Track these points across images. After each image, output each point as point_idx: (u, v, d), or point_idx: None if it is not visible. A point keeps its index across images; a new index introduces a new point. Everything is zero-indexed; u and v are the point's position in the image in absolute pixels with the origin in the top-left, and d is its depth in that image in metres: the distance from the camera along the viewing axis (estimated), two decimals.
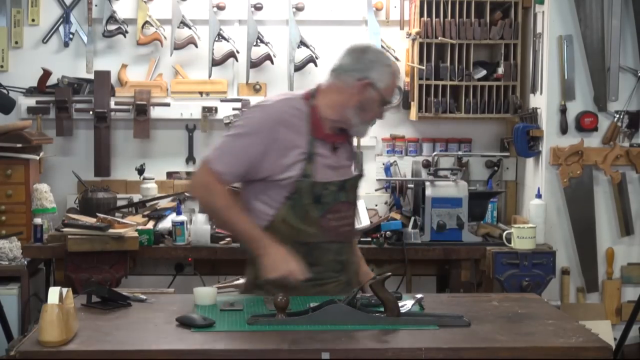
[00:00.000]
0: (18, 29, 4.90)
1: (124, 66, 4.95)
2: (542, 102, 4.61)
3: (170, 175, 4.98)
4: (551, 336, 2.47)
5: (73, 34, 4.93)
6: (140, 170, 4.79)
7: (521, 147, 4.65)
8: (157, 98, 4.91)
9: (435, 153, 4.88)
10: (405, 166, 4.96)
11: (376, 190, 4.97)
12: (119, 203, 4.75)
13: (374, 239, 4.41)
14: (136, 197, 4.81)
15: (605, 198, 4.61)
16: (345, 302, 2.54)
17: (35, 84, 4.86)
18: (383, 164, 4.97)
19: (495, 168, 4.92)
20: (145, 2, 4.88)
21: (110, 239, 4.17)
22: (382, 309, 2.57)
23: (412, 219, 4.51)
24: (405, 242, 4.38)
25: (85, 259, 4.19)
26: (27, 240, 4.42)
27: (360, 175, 3.06)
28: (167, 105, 4.91)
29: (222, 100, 4.92)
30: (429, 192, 4.42)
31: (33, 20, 4.91)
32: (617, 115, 4.55)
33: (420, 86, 4.81)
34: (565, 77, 4.53)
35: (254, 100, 4.83)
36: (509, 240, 4.28)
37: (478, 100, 4.84)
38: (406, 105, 4.98)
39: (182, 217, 4.39)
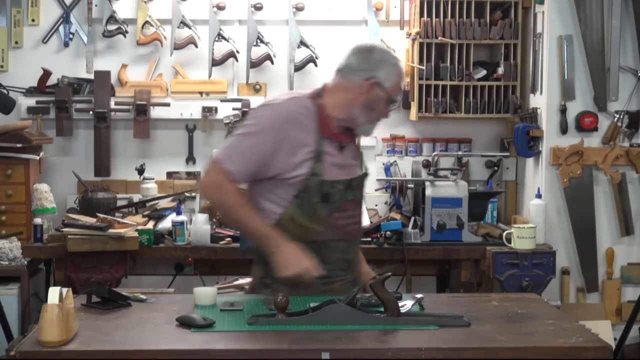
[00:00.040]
0: (18, 29, 4.90)
1: (124, 66, 4.95)
2: (542, 102, 4.61)
3: (170, 175, 4.98)
4: (551, 336, 2.47)
5: (73, 34, 4.93)
6: (140, 170, 4.79)
7: (521, 147, 4.65)
8: (157, 98, 4.91)
9: (435, 153, 4.88)
10: (405, 166, 4.96)
11: (376, 190, 4.97)
12: (119, 203, 4.75)
13: (374, 239, 4.41)
14: (136, 197, 4.81)
15: (605, 198, 4.61)
16: (345, 302, 2.53)
17: (35, 84, 4.86)
18: (383, 164, 4.97)
19: (495, 168, 4.92)
20: (145, 2, 4.88)
21: (110, 239, 4.17)
22: (382, 309, 2.56)
23: (412, 219, 4.51)
24: (405, 242, 4.38)
25: (85, 259, 4.19)
26: (27, 240, 4.41)
27: (366, 174, 3.08)
28: (167, 105, 4.91)
29: (222, 100, 4.92)
30: (429, 192, 4.41)
31: (33, 20, 4.91)
32: (617, 115, 4.55)
33: (420, 86, 4.81)
34: (565, 77, 4.53)
35: (254, 100, 4.83)
36: (509, 240, 4.28)
37: (478, 100, 4.84)
38: (406, 105, 4.98)
39: (182, 217, 4.38)
